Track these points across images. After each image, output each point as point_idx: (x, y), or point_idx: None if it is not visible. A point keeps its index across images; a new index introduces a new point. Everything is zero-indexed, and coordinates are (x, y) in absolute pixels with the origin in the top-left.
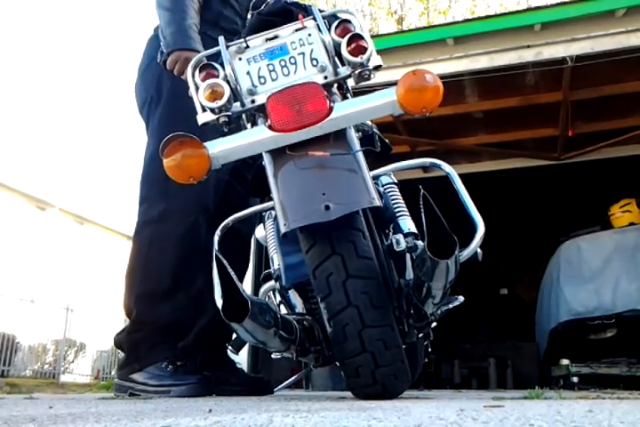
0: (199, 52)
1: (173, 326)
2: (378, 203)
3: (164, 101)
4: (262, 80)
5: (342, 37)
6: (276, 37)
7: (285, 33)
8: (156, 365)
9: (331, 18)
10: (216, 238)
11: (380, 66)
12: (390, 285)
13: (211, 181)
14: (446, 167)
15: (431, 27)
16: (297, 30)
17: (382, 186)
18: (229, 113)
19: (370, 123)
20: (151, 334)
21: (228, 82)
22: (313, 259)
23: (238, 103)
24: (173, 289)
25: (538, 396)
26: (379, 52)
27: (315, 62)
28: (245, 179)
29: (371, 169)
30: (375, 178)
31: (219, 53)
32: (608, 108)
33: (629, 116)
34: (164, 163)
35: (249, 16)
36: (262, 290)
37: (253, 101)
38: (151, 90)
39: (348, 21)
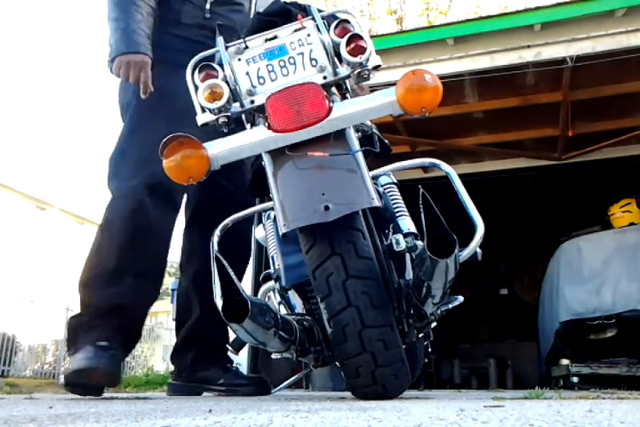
0: (144, 53)
1: (115, 308)
2: (377, 203)
3: (134, 103)
4: (261, 80)
5: (341, 37)
6: (275, 38)
7: (284, 33)
8: (84, 348)
9: (330, 18)
10: (215, 239)
11: (380, 66)
12: (390, 285)
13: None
14: (446, 167)
15: (431, 27)
16: (296, 30)
17: (382, 186)
18: (229, 114)
19: (369, 123)
20: (91, 317)
21: (227, 82)
22: (313, 259)
23: (238, 104)
24: (118, 271)
25: (538, 396)
26: (378, 52)
27: (314, 62)
28: (234, 175)
29: (370, 169)
30: (375, 178)
31: (218, 54)
32: (608, 108)
33: (629, 116)
34: (163, 163)
35: (207, 6)
36: (262, 290)
37: (253, 102)
38: (129, 95)
39: (347, 21)
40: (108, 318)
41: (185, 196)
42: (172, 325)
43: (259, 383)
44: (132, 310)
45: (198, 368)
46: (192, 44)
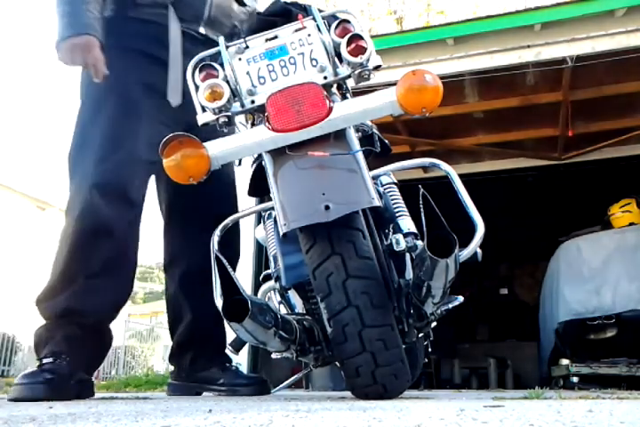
0: (89, 34)
1: (65, 312)
2: (377, 203)
3: (84, 95)
4: (262, 80)
5: (342, 37)
6: (275, 38)
7: (285, 33)
8: (28, 371)
9: (330, 18)
10: (215, 239)
11: (380, 66)
12: (390, 285)
13: (118, 157)
14: (446, 167)
15: (431, 27)
16: (297, 30)
17: (382, 186)
18: (229, 113)
19: (370, 123)
20: (47, 328)
21: (227, 82)
22: (313, 259)
23: (238, 103)
24: (69, 277)
25: (538, 396)
26: (379, 52)
27: (314, 62)
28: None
29: (371, 169)
30: (375, 178)
31: (218, 54)
32: (608, 108)
33: (629, 116)
34: (163, 163)
35: None
36: (262, 290)
37: (253, 102)
38: (82, 86)
39: (348, 21)
40: (59, 327)
41: (158, 193)
42: None
43: (259, 383)
44: (83, 312)
45: (198, 368)
46: (145, 25)
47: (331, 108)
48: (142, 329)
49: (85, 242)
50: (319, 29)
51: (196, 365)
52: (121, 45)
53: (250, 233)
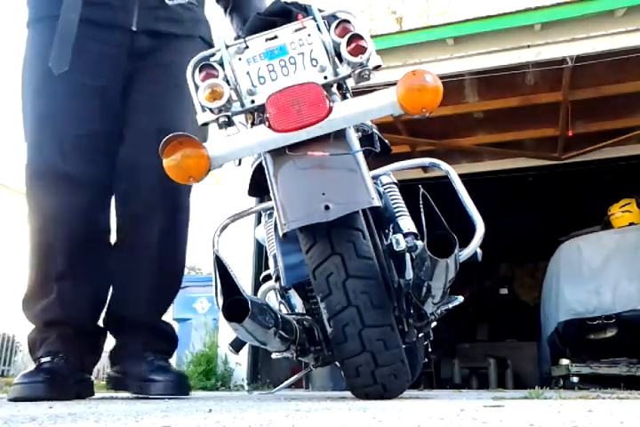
0: None
1: (49, 322)
2: (377, 203)
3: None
4: (262, 80)
5: (342, 37)
6: (275, 37)
7: (285, 33)
8: (26, 370)
9: (330, 18)
10: (216, 238)
11: (380, 66)
12: (390, 285)
13: (45, 137)
14: (445, 167)
15: (431, 27)
16: (297, 30)
17: (382, 186)
18: (229, 113)
19: (370, 123)
20: (38, 331)
21: (227, 82)
22: (313, 259)
23: (238, 103)
24: (40, 282)
25: (538, 396)
26: (379, 52)
27: (314, 62)
28: (145, 141)
29: (371, 169)
30: (375, 178)
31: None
32: (608, 108)
33: (629, 116)
34: (163, 163)
35: None
36: (262, 290)
37: (253, 101)
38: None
39: (348, 21)
40: (51, 329)
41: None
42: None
43: (175, 380)
44: (66, 322)
45: (114, 354)
46: None
47: (331, 108)
48: None
49: (41, 239)
50: (319, 29)
51: (114, 350)
52: (48, 15)
53: (250, 233)
